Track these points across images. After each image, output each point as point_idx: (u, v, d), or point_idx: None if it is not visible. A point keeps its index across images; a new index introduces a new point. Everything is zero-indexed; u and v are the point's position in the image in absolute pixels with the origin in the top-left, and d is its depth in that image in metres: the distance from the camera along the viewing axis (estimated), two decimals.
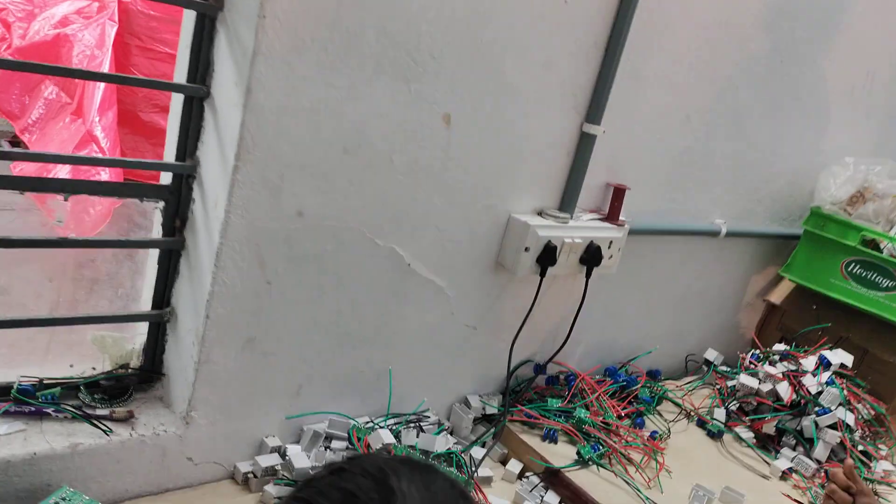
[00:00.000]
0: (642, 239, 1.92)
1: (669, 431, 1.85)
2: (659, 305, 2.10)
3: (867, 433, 1.97)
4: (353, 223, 1.38)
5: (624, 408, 1.86)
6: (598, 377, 1.93)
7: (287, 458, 1.39)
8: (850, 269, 2.09)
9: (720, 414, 1.96)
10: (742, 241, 2.21)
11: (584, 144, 1.63)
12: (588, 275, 1.70)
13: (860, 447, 1.89)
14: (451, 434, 1.68)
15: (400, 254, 1.46)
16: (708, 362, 2.19)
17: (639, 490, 1.57)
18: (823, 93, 2.17)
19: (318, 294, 1.40)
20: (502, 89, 1.46)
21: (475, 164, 1.49)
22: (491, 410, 1.72)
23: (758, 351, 2.07)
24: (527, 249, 1.58)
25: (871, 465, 1.87)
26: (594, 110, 1.61)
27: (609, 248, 1.72)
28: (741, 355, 2.06)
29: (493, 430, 1.67)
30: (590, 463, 1.63)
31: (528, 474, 1.62)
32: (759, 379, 1.96)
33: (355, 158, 1.32)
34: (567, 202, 1.67)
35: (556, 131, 1.60)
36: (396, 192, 1.40)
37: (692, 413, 1.98)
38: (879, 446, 1.97)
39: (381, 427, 1.50)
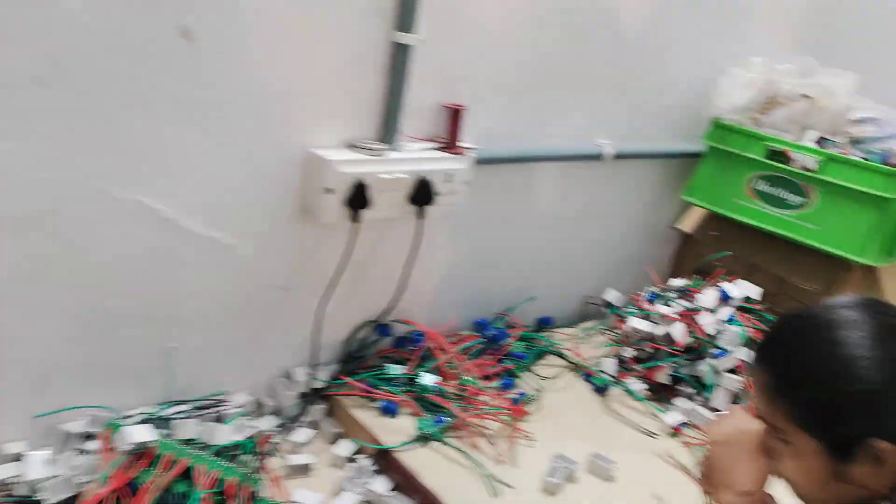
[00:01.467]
0: (507, 169, 1.64)
1: (541, 391, 1.59)
2: (541, 245, 1.83)
3: None
4: (72, 173, 1.09)
5: (493, 367, 1.61)
6: (462, 333, 1.67)
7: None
8: (756, 186, 1.80)
9: (609, 365, 1.70)
10: (638, 163, 1.92)
11: (399, 58, 1.33)
12: (421, 215, 1.42)
13: None
14: (279, 415, 1.43)
15: (152, 207, 1.18)
16: (609, 304, 1.93)
17: (485, 468, 1.32)
18: None
19: (44, 267, 1.12)
20: None
21: (242, 91, 1.20)
22: (320, 384, 1.46)
23: (656, 289, 1.81)
24: (329, 191, 1.29)
25: None
26: (405, 15, 1.30)
27: (449, 181, 1.43)
28: (635, 296, 1.80)
29: (309, 407, 1.41)
30: (431, 439, 1.38)
31: (361, 457, 1.37)
32: (653, 321, 1.70)
33: (53, 90, 1.03)
34: (387, 131, 1.38)
35: (356, 43, 1.30)
36: (128, 129, 1.11)
37: (579, 366, 1.72)
38: None
39: (150, 421, 1.23)
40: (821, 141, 1.79)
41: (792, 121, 1.83)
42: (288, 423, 1.41)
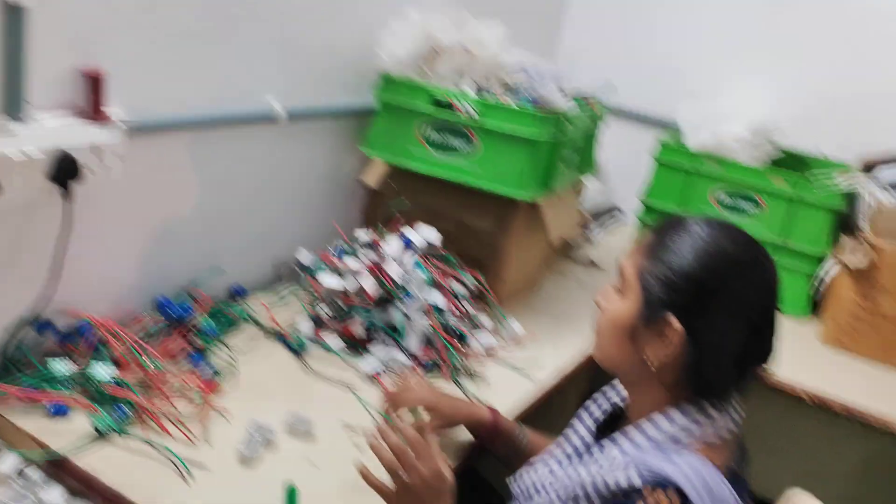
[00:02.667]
0: (174, 136, 1.54)
1: (235, 363, 1.55)
2: (223, 212, 1.76)
3: (471, 308, 1.84)
4: None
5: (180, 347, 1.52)
6: (143, 316, 1.56)
7: None
8: (426, 135, 1.89)
9: (305, 326, 1.70)
10: (315, 121, 1.91)
11: (12, 22, 1.17)
12: (67, 196, 1.29)
13: (458, 328, 1.75)
14: None
15: None
16: (301, 265, 1.92)
17: (172, 453, 1.25)
18: None
19: None
20: None
21: None
22: None
23: (344, 244, 1.83)
24: None
25: (466, 345, 1.75)
26: None
27: (96, 154, 1.31)
28: (324, 254, 1.80)
29: None
30: (111, 434, 1.28)
31: (31, 469, 1.23)
32: (343, 277, 1.72)
33: None
34: (11, 103, 1.22)
35: None
36: None
37: (275, 331, 1.70)
38: (482, 318, 1.86)
39: None
40: (479, 90, 1.92)
41: (453, 71, 1.94)
42: None
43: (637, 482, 0.96)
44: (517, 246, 1.98)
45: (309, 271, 1.87)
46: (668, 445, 1.02)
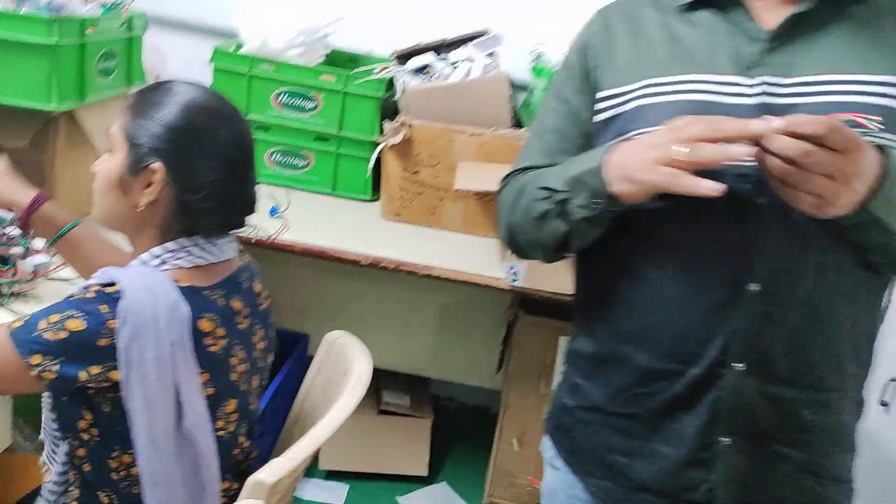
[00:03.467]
0: None
1: None
2: None
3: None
4: None
5: None
6: None
7: None
8: None
9: None
10: None
11: None
12: None
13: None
14: None
15: None
16: None
17: None
18: None
19: None
20: None
21: None
22: None
23: None
24: None
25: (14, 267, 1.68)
26: None
27: None
28: None
29: None
30: None
31: None
32: None
33: None
34: None
35: None
36: None
37: None
38: (33, 242, 1.79)
39: None
40: None
41: None
42: None
43: (92, 282, 1.16)
44: (64, 162, 1.92)
45: None
46: (146, 261, 1.20)
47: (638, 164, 0.98)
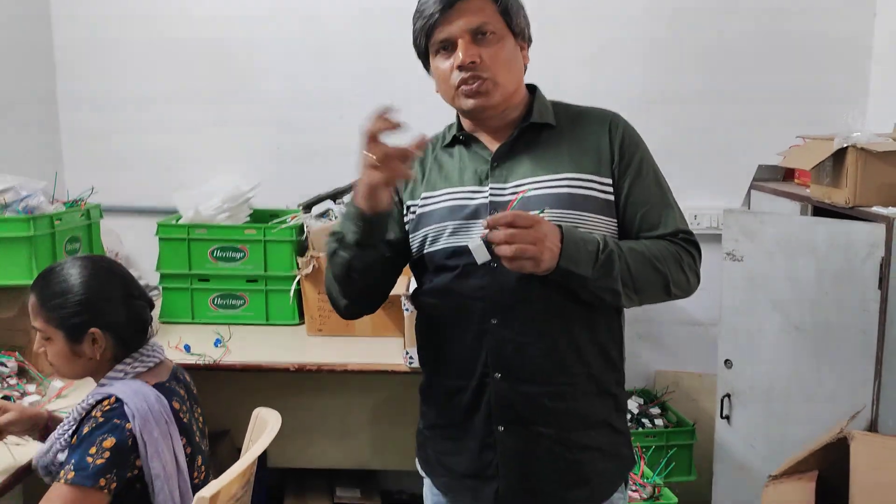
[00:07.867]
0: None
1: None
2: None
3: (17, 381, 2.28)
4: None
5: None
6: None
7: None
8: None
9: None
10: None
11: None
12: None
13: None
14: None
15: None
16: None
17: None
18: None
19: None
20: None
21: None
22: None
23: None
24: None
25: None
26: None
27: None
28: None
29: None
30: None
31: None
32: None
33: None
34: None
35: None
36: None
37: None
38: (27, 387, 2.30)
39: None
40: None
41: None
42: None
43: (92, 400, 1.62)
44: None
45: None
46: (117, 378, 1.69)
47: (360, 179, 1.44)
